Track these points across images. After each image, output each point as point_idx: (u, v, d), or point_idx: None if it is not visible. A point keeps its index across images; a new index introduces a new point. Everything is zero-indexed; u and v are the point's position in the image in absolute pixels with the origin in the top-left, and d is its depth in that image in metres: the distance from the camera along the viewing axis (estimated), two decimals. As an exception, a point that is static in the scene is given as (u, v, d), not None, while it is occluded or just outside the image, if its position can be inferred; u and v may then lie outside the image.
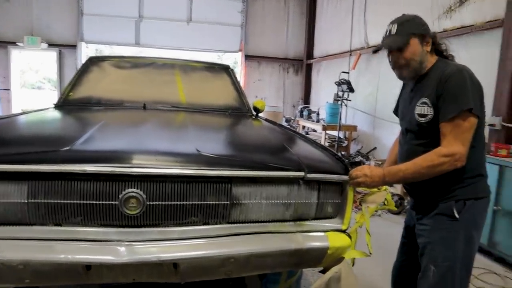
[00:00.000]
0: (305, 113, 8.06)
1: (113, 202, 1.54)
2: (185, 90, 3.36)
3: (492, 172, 3.22)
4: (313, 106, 8.78)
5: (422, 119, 1.69)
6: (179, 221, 1.65)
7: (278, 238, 1.74)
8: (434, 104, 1.64)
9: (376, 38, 6.84)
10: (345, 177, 1.80)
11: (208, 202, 1.66)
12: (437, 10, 5.23)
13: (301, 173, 1.74)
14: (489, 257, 3.56)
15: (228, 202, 1.68)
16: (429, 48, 1.72)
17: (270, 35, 9.60)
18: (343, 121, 7.44)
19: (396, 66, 1.77)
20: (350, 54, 7.49)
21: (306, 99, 9.96)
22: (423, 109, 1.69)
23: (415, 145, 1.76)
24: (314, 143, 2.22)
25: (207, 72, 3.67)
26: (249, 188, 1.71)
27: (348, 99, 6.24)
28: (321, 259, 1.79)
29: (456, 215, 1.65)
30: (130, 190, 1.54)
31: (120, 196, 1.53)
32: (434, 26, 5.31)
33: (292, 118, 8.75)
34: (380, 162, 5.43)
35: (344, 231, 1.86)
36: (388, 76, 6.52)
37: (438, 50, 1.77)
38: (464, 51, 4.79)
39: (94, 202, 1.54)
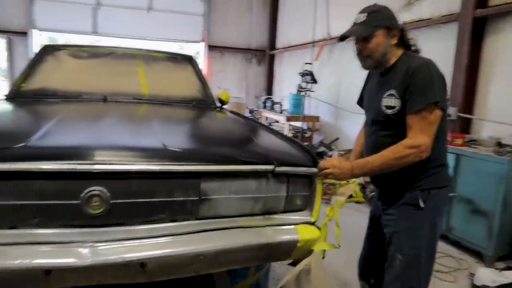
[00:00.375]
0: (268, 104, 8.07)
1: (75, 202, 1.46)
2: (147, 82, 3.24)
3: (449, 160, 3.38)
4: (276, 97, 8.81)
5: (390, 111, 1.72)
6: (146, 219, 1.58)
7: (247, 233, 1.72)
8: (401, 96, 1.67)
9: (338, 29, 6.92)
10: (314, 170, 1.80)
11: (176, 199, 1.61)
12: (398, 2, 5.35)
13: (271, 167, 1.72)
14: (446, 241, 3.74)
15: (197, 198, 1.64)
16: (395, 41, 1.75)
17: (233, 25, 9.49)
18: (306, 112, 7.52)
19: (360, 55, 1.80)
20: (313, 45, 7.55)
21: (269, 90, 9.98)
22: (390, 101, 1.72)
23: (382, 136, 1.79)
24: (281, 135, 2.21)
25: (170, 63, 3.56)
26: (218, 183, 1.67)
27: (312, 90, 6.30)
28: (290, 252, 1.79)
29: (421, 205, 1.70)
30: (92, 188, 1.46)
31: (82, 194, 1.45)
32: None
33: (255, 109, 8.74)
34: (343, 152, 5.55)
35: (313, 224, 1.87)
36: (350, 67, 6.65)
37: (405, 44, 1.79)
38: (423, 44, 4.95)
39: (54, 202, 1.44)
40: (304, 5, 8.21)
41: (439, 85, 1.62)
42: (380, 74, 1.84)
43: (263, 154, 1.78)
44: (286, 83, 9.16)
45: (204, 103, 3.31)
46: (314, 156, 1.86)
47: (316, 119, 7.16)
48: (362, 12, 1.77)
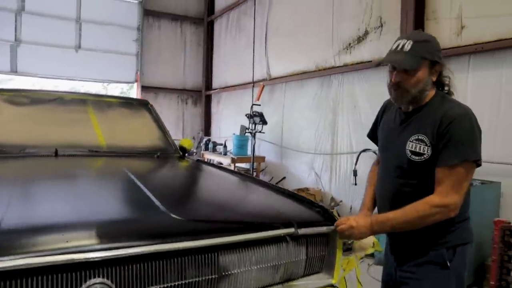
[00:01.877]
0: (210, 145, 7.85)
1: (70, 302, 1.11)
2: (103, 131, 2.87)
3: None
4: (214, 138, 8.64)
5: (416, 157, 1.56)
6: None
7: (272, 309, 1.49)
8: (433, 144, 1.51)
9: (278, 69, 7.09)
10: (333, 227, 1.65)
11: (192, 280, 1.33)
12: (338, 45, 5.64)
13: (291, 230, 1.53)
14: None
15: (216, 276, 1.38)
16: (435, 78, 1.57)
17: (167, 66, 9.24)
18: (250, 153, 7.45)
19: (394, 87, 1.57)
20: (253, 86, 7.60)
21: (207, 130, 9.78)
22: (418, 147, 1.55)
23: (402, 184, 1.63)
24: (283, 191, 2.02)
25: (125, 109, 3.24)
26: (237, 255, 1.43)
27: (262, 131, 6.26)
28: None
29: (448, 264, 1.57)
30: (94, 281, 1.13)
31: (82, 290, 1.11)
32: (335, 60, 5.72)
33: (194, 151, 8.44)
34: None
35: (333, 285, 1.69)
36: (292, 106, 6.78)
37: (439, 83, 1.63)
38: (366, 84, 5.24)
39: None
40: (241, 45, 8.32)
41: (478, 139, 1.49)
42: (404, 112, 1.64)
43: (280, 216, 1.59)
44: (225, 123, 9.05)
45: (167, 152, 3.02)
46: (331, 214, 1.71)
47: (261, 159, 7.10)
48: (408, 38, 1.56)
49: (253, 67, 7.67)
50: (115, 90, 11.27)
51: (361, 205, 1.90)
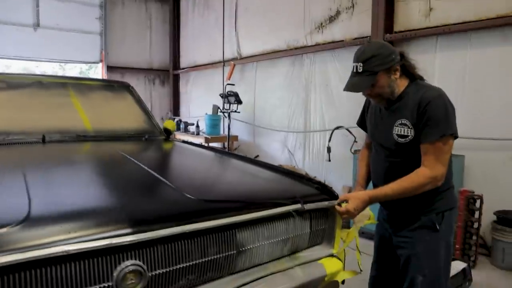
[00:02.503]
0: (181, 126, 7.79)
1: (106, 284, 1.17)
2: (88, 115, 2.83)
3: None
4: (184, 118, 8.56)
5: (402, 140, 1.78)
6: (185, 286, 1.36)
7: (281, 279, 1.61)
8: (414, 125, 1.74)
9: (249, 49, 7.08)
10: (335, 202, 1.78)
11: (214, 257, 1.42)
12: (309, 25, 5.72)
13: (298, 205, 1.65)
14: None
15: (234, 251, 1.47)
16: (397, 75, 1.78)
17: (133, 45, 8.92)
18: (222, 132, 7.48)
19: (369, 98, 1.86)
20: (224, 65, 7.57)
21: (176, 111, 9.65)
22: (402, 130, 1.77)
23: (393, 162, 1.85)
24: (279, 169, 2.13)
25: (107, 92, 3.18)
26: (252, 231, 1.53)
27: (237, 111, 6.29)
28: (317, 286, 1.74)
29: (437, 227, 1.79)
30: (127, 263, 1.19)
31: (115, 273, 1.17)
32: (307, 40, 5.81)
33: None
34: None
35: (333, 255, 1.84)
36: (263, 86, 6.85)
37: (407, 72, 1.83)
38: (338, 63, 5.39)
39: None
40: (209, 24, 8.19)
41: (452, 116, 1.72)
42: (387, 102, 1.87)
43: (287, 193, 1.70)
44: (195, 103, 8.97)
45: (154, 135, 3.03)
46: (331, 189, 1.84)
47: (235, 138, 7.16)
48: (357, 61, 1.76)
49: (223, 46, 7.60)
50: (74, 70, 10.79)
51: (355, 183, 2.09)
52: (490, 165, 3.84)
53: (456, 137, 1.73)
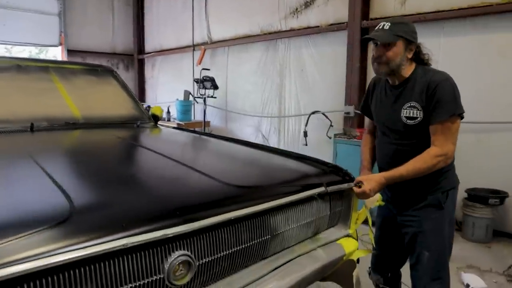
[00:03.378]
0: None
1: (157, 277, 1.14)
2: (75, 101, 2.68)
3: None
4: (151, 103, 8.31)
5: (411, 121, 1.86)
6: (226, 273, 1.35)
7: (308, 260, 1.65)
8: (424, 107, 1.82)
9: (220, 33, 6.96)
10: (352, 184, 1.83)
11: (253, 242, 1.42)
12: (284, 10, 5.72)
13: (322, 189, 1.68)
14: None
15: (269, 236, 1.48)
16: (410, 55, 1.86)
17: (94, 27, 8.46)
18: (193, 118, 7.36)
19: (377, 60, 1.87)
20: (194, 50, 7.40)
21: (141, 96, 9.34)
22: (411, 112, 1.85)
23: (402, 145, 1.92)
24: (291, 154, 2.14)
25: (91, 77, 3.03)
26: (283, 216, 1.55)
27: (214, 96, 6.20)
28: (336, 265, 1.80)
29: (442, 205, 1.90)
30: (178, 253, 1.17)
31: (167, 266, 1.14)
32: (281, 25, 5.81)
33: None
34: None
35: (349, 235, 1.90)
36: (235, 71, 6.79)
37: (420, 59, 1.93)
38: (313, 49, 5.45)
39: (133, 285, 1.09)
40: (177, 7, 7.94)
41: (459, 97, 1.82)
42: (392, 86, 1.96)
43: (310, 177, 1.72)
44: (163, 88, 8.72)
45: (144, 121, 2.94)
46: (346, 172, 1.89)
47: (207, 124, 7.08)
48: (387, 20, 1.86)
49: (193, 30, 7.42)
50: (22, 53, 10.05)
51: (361, 167, 2.15)
52: (462, 147, 4.07)
53: (462, 117, 1.83)
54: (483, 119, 3.90)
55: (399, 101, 1.91)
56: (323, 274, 1.73)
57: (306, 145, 5.31)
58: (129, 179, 1.45)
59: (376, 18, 4.67)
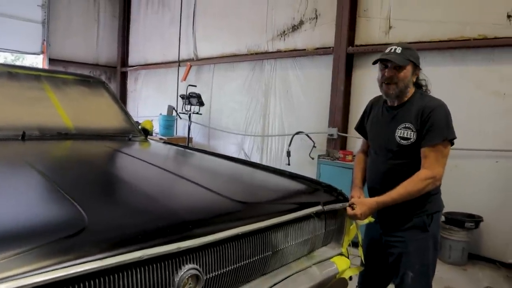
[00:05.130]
0: (131, 125, 7.49)
1: (167, 290, 1.14)
2: (67, 112, 2.65)
3: (346, 175, 3.93)
4: (132, 116, 8.22)
5: (404, 142, 1.95)
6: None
7: (304, 278, 1.68)
8: (418, 130, 1.91)
9: (206, 50, 7.04)
10: (346, 204, 1.89)
11: (255, 258, 1.44)
12: (272, 32, 5.86)
13: (319, 207, 1.73)
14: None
15: (270, 252, 1.51)
16: (414, 79, 1.99)
17: (78, 38, 8.37)
18: (175, 133, 7.33)
19: (387, 82, 1.96)
20: (179, 65, 7.43)
21: (122, 108, 9.24)
22: (406, 133, 1.94)
23: (395, 164, 2.00)
24: (285, 173, 2.19)
25: (83, 87, 3.00)
26: (283, 233, 1.58)
27: (199, 112, 6.21)
28: (329, 283, 1.83)
29: (427, 227, 1.98)
30: (188, 267, 1.18)
31: (177, 279, 1.15)
32: (268, 46, 5.95)
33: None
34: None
35: (342, 253, 1.95)
36: (220, 88, 6.85)
37: (418, 84, 2.04)
38: (299, 71, 5.59)
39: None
40: (164, 22, 7.99)
41: (451, 123, 1.94)
42: (390, 107, 2.05)
43: (309, 196, 1.77)
44: (145, 103, 8.66)
45: (135, 135, 2.93)
46: (341, 192, 1.95)
47: (190, 140, 7.06)
48: (397, 45, 1.97)
49: (179, 46, 7.47)
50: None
51: (353, 186, 2.21)
52: (440, 171, 4.27)
53: (453, 143, 1.93)
54: (460, 146, 4.08)
55: (395, 122, 2.00)
56: (316, 290, 1.76)
57: (289, 164, 5.37)
58: (138, 193, 1.46)
59: (361, 45, 4.87)
